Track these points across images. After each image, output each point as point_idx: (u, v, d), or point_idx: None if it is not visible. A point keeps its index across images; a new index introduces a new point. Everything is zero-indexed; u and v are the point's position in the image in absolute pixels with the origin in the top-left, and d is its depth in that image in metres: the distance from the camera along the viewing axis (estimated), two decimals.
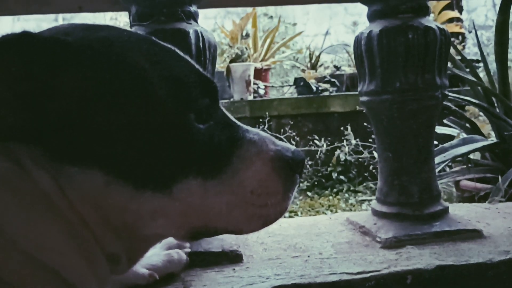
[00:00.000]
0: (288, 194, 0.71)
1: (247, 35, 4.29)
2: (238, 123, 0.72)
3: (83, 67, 0.60)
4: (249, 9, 4.63)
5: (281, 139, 3.16)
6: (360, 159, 3.47)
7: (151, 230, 0.66)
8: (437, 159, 1.78)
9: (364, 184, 3.49)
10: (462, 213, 1.54)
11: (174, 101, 0.63)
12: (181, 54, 0.70)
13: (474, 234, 1.34)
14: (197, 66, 0.70)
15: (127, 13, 1.38)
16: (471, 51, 5.18)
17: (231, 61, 3.98)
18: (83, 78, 0.59)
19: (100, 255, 0.63)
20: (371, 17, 1.42)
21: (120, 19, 5.79)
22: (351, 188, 3.53)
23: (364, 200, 3.21)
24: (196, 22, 1.32)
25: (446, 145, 2.19)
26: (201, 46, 1.26)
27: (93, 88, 0.59)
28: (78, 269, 0.60)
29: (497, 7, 2.42)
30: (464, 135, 2.51)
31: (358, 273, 1.15)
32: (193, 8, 1.30)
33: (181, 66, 0.66)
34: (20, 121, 0.57)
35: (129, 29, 0.72)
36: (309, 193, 3.47)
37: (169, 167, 0.62)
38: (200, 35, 1.26)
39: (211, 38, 1.30)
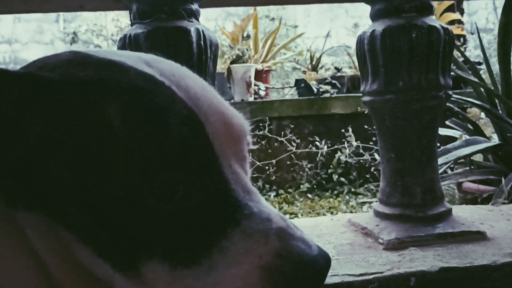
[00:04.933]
0: None
1: (248, 36, 4.28)
2: (246, 200, 0.54)
3: (49, 111, 0.53)
4: (250, 10, 4.63)
5: (281, 140, 3.11)
6: (361, 161, 3.45)
7: None
8: (439, 161, 1.77)
9: (365, 186, 3.48)
10: (465, 215, 1.52)
11: (132, 173, 0.51)
12: (182, 105, 0.55)
13: (478, 236, 1.32)
14: (200, 119, 0.54)
15: (128, 15, 1.37)
16: (472, 54, 5.17)
17: (231, 62, 3.97)
18: (46, 124, 0.53)
19: None
20: (374, 16, 1.41)
21: (122, 20, 5.79)
22: (352, 190, 3.51)
23: (365, 202, 3.19)
24: (198, 20, 1.30)
25: (448, 146, 2.18)
26: (203, 44, 1.24)
27: (51, 138, 0.53)
28: None
29: (498, 10, 2.42)
30: (466, 136, 2.49)
31: (361, 274, 1.13)
32: (194, 6, 1.29)
33: (162, 127, 0.52)
34: None
35: (139, 61, 0.59)
36: (309, 195, 3.45)
37: (126, 244, 0.52)
38: (201, 33, 1.25)
39: (213, 36, 1.29)
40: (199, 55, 1.24)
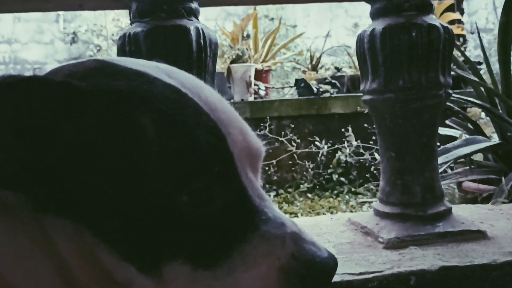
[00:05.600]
0: None
1: (248, 36, 4.28)
2: (262, 206, 0.58)
3: (83, 119, 0.55)
4: (250, 10, 4.63)
5: (281, 140, 3.10)
6: (361, 161, 3.45)
7: None
8: (439, 160, 1.76)
9: (365, 185, 3.48)
10: (465, 214, 1.52)
11: (167, 180, 0.54)
12: (206, 117, 0.58)
13: (478, 235, 1.32)
14: (222, 131, 0.58)
15: (128, 15, 1.37)
16: (472, 53, 5.17)
17: (231, 62, 3.97)
18: (79, 132, 0.55)
19: None
20: (374, 15, 1.40)
21: (122, 20, 5.79)
22: (352, 190, 3.51)
23: (365, 202, 3.19)
24: (197, 19, 1.30)
25: (448, 145, 2.17)
26: (202, 43, 1.24)
27: (84, 145, 0.55)
28: None
29: (498, 10, 2.42)
30: (466, 136, 2.49)
31: (360, 273, 1.13)
32: (194, 5, 1.29)
33: (191, 136, 0.56)
34: (15, 169, 0.53)
35: (160, 71, 0.62)
36: (309, 195, 3.45)
37: (153, 247, 0.55)
38: (201, 32, 1.25)
39: (212, 35, 1.29)
40: (199, 54, 1.24)
